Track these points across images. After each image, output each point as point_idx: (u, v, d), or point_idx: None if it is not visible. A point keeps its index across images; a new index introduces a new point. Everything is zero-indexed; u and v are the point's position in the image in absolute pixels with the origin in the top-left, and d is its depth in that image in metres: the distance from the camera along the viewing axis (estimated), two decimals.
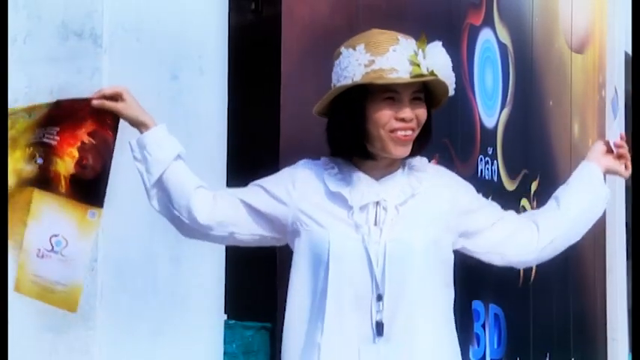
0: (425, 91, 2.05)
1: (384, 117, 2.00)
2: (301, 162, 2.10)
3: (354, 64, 2.02)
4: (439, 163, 3.78)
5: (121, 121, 1.96)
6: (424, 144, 2.07)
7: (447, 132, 3.93)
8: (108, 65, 2.51)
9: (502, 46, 4.55)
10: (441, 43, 2.05)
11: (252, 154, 3.99)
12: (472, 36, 4.25)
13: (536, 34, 4.92)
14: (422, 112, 2.02)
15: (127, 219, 2.53)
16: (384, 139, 2.00)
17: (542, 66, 5.01)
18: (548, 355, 4.90)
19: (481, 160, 4.28)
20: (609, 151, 2.16)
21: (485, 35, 4.39)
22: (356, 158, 2.06)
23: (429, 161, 2.12)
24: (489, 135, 4.39)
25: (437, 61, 2.02)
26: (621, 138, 2.17)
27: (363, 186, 2.02)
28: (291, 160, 2.91)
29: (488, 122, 4.40)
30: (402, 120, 1.99)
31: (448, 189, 2.05)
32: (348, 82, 2.00)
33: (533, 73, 4.89)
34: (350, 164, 2.06)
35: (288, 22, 3.07)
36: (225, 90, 2.86)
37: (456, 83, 2.05)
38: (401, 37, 2.03)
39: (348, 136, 2.03)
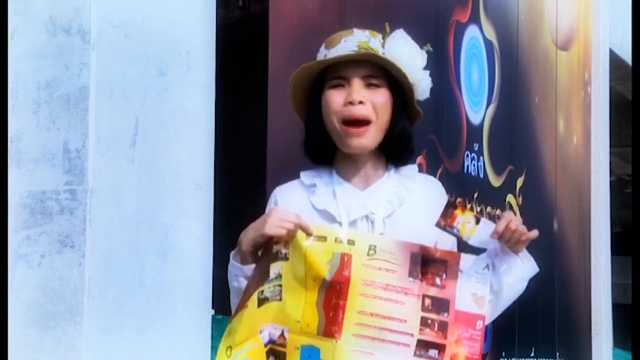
0: (394, 87, 1.99)
1: (332, 103, 1.97)
2: (277, 190, 2.07)
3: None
4: (426, 159, 3.80)
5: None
6: (395, 142, 2.00)
7: (433, 128, 3.94)
8: (95, 61, 2.51)
9: (488, 43, 4.57)
10: (402, 30, 2.02)
11: (239, 150, 4.00)
12: (458, 33, 4.27)
13: (522, 32, 4.93)
14: (377, 97, 1.96)
15: (114, 214, 2.54)
16: (338, 130, 1.97)
17: (528, 63, 5.03)
18: (533, 349, 4.93)
19: (467, 156, 4.30)
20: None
21: (472, 32, 4.41)
22: (337, 165, 2.04)
23: (417, 157, 2.10)
24: (475, 131, 4.40)
25: (395, 47, 1.96)
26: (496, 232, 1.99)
27: (349, 199, 1.98)
28: (278, 157, 2.92)
29: (475, 118, 4.41)
30: (350, 103, 1.95)
31: (433, 207, 1.96)
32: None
33: (519, 69, 4.91)
34: (332, 173, 2.03)
35: (275, 18, 3.07)
36: (212, 87, 2.87)
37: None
38: (358, 30, 2.00)
39: (312, 134, 2.02)
